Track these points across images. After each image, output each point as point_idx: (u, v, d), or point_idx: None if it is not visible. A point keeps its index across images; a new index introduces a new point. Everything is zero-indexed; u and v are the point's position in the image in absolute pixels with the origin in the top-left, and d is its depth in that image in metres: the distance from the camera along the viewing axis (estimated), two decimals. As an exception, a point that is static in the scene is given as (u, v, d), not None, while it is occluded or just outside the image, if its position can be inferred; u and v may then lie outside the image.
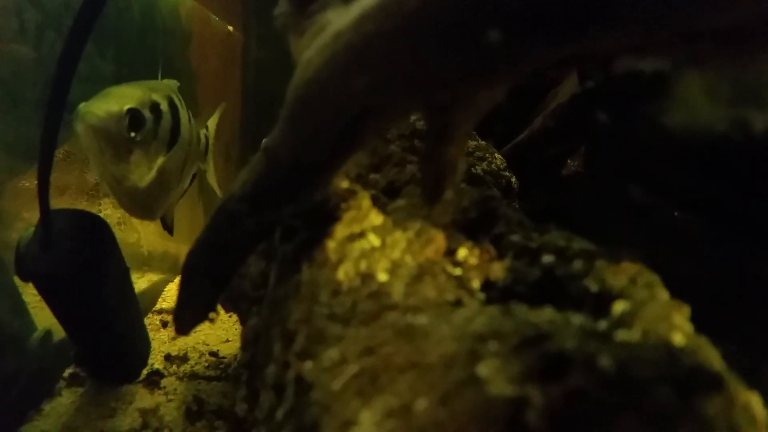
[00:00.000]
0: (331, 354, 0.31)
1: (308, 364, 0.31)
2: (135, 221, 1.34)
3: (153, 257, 1.31)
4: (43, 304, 0.74)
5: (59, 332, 0.76)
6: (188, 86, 1.29)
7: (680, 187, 0.47)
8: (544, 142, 0.76)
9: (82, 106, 0.53)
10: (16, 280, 0.69)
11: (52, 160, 0.51)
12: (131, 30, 1.01)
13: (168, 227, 0.79)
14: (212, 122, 0.78)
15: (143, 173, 0.57)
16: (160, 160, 0.59)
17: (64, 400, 0.72)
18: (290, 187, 0.39)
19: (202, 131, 0.76)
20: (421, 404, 0.24)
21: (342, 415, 0.26)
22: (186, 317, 0.48)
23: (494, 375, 0.24)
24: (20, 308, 0.74)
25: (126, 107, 0.54)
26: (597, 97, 0.45)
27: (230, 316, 1.07)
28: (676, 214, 0.57)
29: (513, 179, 0.65)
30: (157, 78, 1.03)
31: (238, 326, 1.03)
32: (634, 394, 0.21)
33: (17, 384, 0.69)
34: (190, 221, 1.45)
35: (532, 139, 0.77)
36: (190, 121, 0.66)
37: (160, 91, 0.60)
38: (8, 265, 0.73)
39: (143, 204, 0.62)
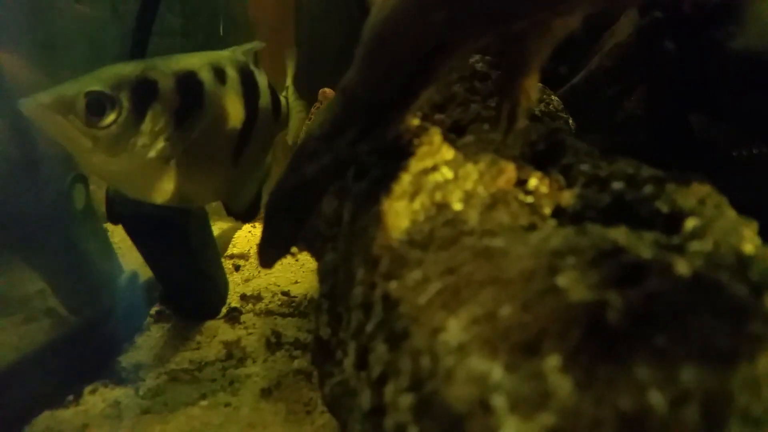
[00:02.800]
0: (414, 275, 0.34)
1: (393, 284, 0.34)
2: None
3: (221, 207, 1.37)
4: (127, 249, 0.80)
5: (144, 274, 0.83)
6: (247, 38, 1.32)
7: (745, 111, 0.47)
8: (602, 83, 0.75)
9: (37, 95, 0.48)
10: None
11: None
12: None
13: (236, 214, 0.68)
14: (289, 80, 0.71)
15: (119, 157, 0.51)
16: (151, 144, 0.51)
17: (154, 334, 0.78)
18: (366, 124, 0.41)
19: (282, 95, 0.68)
20: (505, 310, 0.27)
21: (430, 323, 0.29)
22: (269, 252, 0.52)
23: (573, 284, 0.26)
24: (110, 252, 0.80)
25: (84, 90, 0.48)
26: (663, 27, 0.45)
27: (297, 260, 1.12)
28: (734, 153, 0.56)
29: (570, 120, 0.65)
30: (218, 29, 1.04)
31: (305, 269, 1.08)
32: (710, 293, 0.23)
33: (111, 319, 0.75)
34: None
35: (589, 80, 0.76)
36: (250, 90, 0.58)
37: (174, 62, 0.54)
38: (98, 215, 0.80)
39: (144, 193, 0.56)
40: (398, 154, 0.44)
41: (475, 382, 0.23)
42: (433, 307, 0.30)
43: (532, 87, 0.31)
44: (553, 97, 0.67)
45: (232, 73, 0.56)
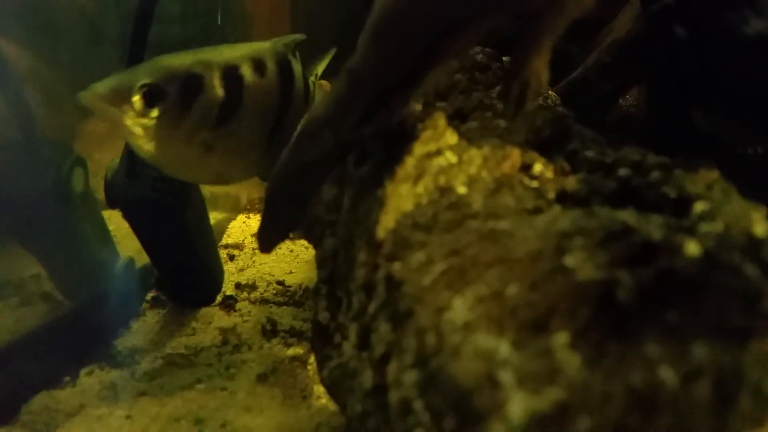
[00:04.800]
0: (418, 257, 0.33)
1: (397, 265, 0.34)
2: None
3: (216, 197, 1.37)
4: (124, 235, 0.80)
5: (140, 261, 0.82)
6: (243, 29, 1.31)
7: (759, 101, 0.46)
8: (600, 79, 0.75)
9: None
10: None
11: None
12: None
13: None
14: (321, 69, 0.75)
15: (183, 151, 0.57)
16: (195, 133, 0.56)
17: (149, 320, 0.78)
18: (371, 107, 0.41)
19: (311, 79, 0.72)
20: (512, 290, 0.26)
21: (434, 303, 0.29)
22: (269, 236, 0.52)
23: (582, 264, 0.26)
24: (107, 238, 0.80)
25: (140, 82, 0.53)
26: (674, 14, 0.45)
27: (291, 251, 1.12)
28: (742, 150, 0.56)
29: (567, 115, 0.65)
30: (216, 18, 1.04)
31: (299, 260, 1.08)
32: (721, 273, 0.22)
33: (107, 304, 0.75)
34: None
35: (587, 76, 0.76)
36: (287, 80, 0.63)
37: (221, 55, 0.59)
38: (96, 199, 0.79)
39: (192, 174, 0.62)
40: (402, 138, 0.43)
41: (482, 358, 0.23)
42: (438, 287, 0.30)
43: (543, 68, 0.31)
44: (550, 92, 0.67)
45: (270, 65, 0.61)
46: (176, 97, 0.54)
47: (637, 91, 0.80)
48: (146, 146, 0.54)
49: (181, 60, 0.56)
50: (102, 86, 0.52)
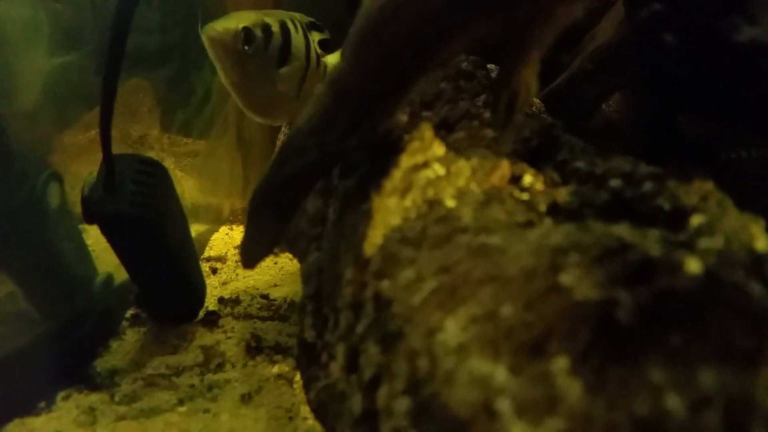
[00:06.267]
0: (407, 274, 0.32)
1: (385, 283, 0.32)
2: (178, 176, 1.38)
3: (197, 209, 1.35)
4: (103, 249, 0.77)
5: (119, 277, 0.80)
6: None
7: (751, 108, 0.46)
8: (583, 86, 0.75)
9: (208, 25, 0.68)
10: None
11: (114, 101, 0.52)
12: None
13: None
14: (332, 58, 0.87)
15: (257, 80, 0.72)
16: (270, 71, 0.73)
17: (129, 339, 0.76)
18: (356, 117, 0.39)
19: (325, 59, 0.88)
20: (506, 310, 0.25)
21: (426, 323, 0.28)
22: (252, 251, 0.50)
23: (578, 282, 0.25)
24: (84, 253, 0.78)
25: (241, 25, 0.68)
26: (663, 21, 0.45)
27: (275, 263, 1.10)
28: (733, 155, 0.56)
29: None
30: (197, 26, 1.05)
31: (284, 272, 1.06)
32: (725, 292, 0.21)
33: (86, 323, 0.72)
34: (230, 174, 1.48)
35: (570, 83, 0.76)
36: (308, 46, 0.78)
37: (274, 16, 0.74)
38: (73, 214, 0.77)
39: (260, 107, 0.76)
40: (388, 149, 0.42)
41: (478, 385, 0.22)
42: (429, 307, 0.29)
43: (532, 78, 0.30)
44: (534, 99, 0.67)
45: (300, 28, 0.77)
46: (261, 40, 0.70)
47: (620, 96, 0.80)
48: (234, 77, 0.69)
49: (254, 15, 0.72)
50: (218, 26, 0.67)
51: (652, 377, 0.20)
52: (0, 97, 0.75)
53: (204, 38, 0.67)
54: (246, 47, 0.68)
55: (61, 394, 0.62)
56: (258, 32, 0.70)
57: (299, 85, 0.77)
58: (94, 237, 0.81)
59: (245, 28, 0.68)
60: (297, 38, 0.76)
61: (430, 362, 0.24)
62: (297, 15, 0.81)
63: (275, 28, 0.73)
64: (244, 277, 1.03)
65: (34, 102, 0.96)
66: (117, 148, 0.65)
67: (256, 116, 0.78)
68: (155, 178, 0.65)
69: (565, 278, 0.25)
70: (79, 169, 1.10)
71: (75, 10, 0.94)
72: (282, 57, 0.73)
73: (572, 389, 0.20)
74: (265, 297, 0.90)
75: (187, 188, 1.38)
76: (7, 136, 0.69)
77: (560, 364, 0.21)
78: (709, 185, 0.32)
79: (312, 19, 0.84)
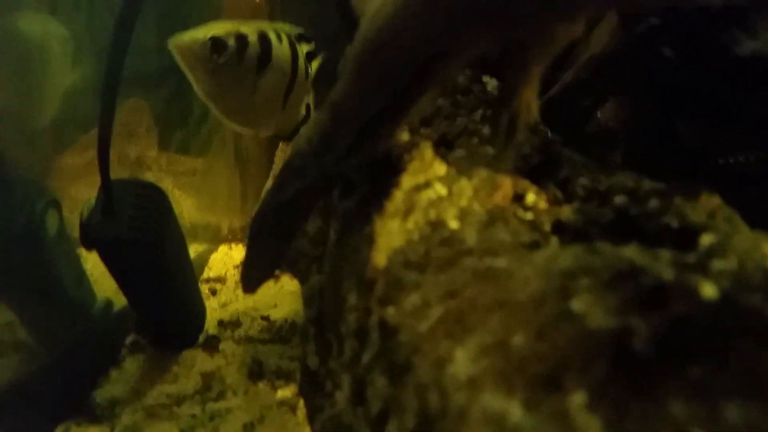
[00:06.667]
0: (413, 299, 0.31)
1: (390, 310, 0.32)
2: (176, 195, 1.37)
3: (196, 228, 1.34)
4: (102, 274, 0.76)
5: (118, 302, 0.79)
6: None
7: (753, 118, 0.46)
8: (578, 95, 0.74)
9: (176, 35, 0.68)
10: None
11: (112, 125, 0.52)
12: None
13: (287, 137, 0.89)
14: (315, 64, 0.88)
15: (232, 90, 0.71)
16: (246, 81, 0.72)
17: (129, 367, 0.75)
18: (356, 139, 0.39)
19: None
20: (517, 339, 0.24)
21: (434, 354, 0.27)
22: (253, 275, 0.49)
23: (590, 309, 0.24)
24: (83, 279, 0.77)
25: (209, 35, 0.67)
26: (661, 34, 0.44)
27: (276, 283, 1.09)
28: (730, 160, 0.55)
29: (549, 133, 0.64)
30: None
31: (284, 291, 1.05)
32: (744, 318, 0.21)
33: (85, 351, 0.71)
34: (228, 191, 1.47)
35: (565, 93, 0.75)
36: (295, 57, 0.78)
37: (253, 26, 0.74)
38: (71, 239, 0.76)
39: (238, 116, 0.75)
40: (388, 169, 0.42)
41: (493, 423, 0.21)
42: (437, 336, 0.28)
43: (533, 97, 0.30)
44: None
45: (284, 38, 0.76)
46: (234, 49, 0.69)
47: (614, 105, 0.80)
48: (208, 87, 0.69)
49: (229, 26, 0.71)
50: (185, 37, 0.67)
51: (674, 411, 0.19)
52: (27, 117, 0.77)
53: (171, 48, 0.66)
54: (216, 56, 0.68)
55: (60, 428, 0.61)
56: (231, 41, 0.69)
57: (284, 95, 0.77)
58: (93, 261, 0.80)
59: (213, 38, 0.68)
60: (280, 49, 0.75)
61: (441, 397, 0.24)
62: (285, 26, 0.81)
63: (252, 38, 0.72)
64: (244, 298, 1.02)
65: (51, 120, 0.97)
66: (114, 170, 0.65)
67: (235, 126, 0.78)
68: (154, 203, 0.64)
69: (577, 304, 0.25)
70: (78, 191, 1.10)
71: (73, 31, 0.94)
72: (261, 67, 0.73)
73: (591, 426, 0.19)
74: (266, 318, 0.89)
75: (186, 207, 1.37)
76: (6, 163, 0.69)
77: (578, 399, 0.20)
78: (716, 200, 0.32)
79: (301, 31, 0.83)
